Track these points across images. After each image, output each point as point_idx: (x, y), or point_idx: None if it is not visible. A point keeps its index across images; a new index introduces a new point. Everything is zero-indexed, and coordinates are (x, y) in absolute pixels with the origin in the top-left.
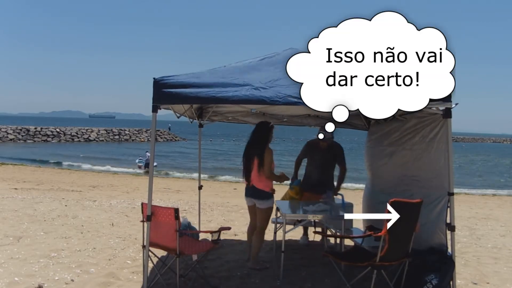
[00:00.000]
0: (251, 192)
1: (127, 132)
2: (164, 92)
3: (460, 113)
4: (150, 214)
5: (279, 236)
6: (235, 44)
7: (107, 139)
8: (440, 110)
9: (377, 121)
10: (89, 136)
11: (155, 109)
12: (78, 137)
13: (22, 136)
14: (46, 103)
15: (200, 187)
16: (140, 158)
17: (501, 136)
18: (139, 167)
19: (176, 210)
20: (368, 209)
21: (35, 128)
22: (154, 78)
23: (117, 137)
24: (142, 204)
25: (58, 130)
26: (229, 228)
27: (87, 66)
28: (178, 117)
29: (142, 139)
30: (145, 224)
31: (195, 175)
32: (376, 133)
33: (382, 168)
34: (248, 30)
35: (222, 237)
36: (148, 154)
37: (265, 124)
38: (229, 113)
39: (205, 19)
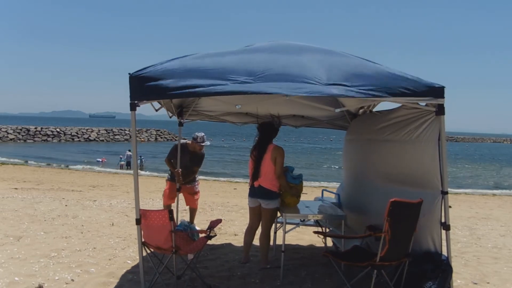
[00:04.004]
0: (258, 192)
1: (127, 132)
2: (143, 87)
3: (460, 113)
4: (139, 218)
5: (279, 236)
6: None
7: (107, 139)
8: (433, 107)
9: (357, 116)
10: (89, 136)
11: (133, 107)
12: (78, 137)
13: (23, 136)
14: (46, 103)
15: (178, 189)
16: (121, 157)
17: (501, 136)
18: (121, 166)
19: (171, 211)
20: (349, 207)
21: (35, 128)
22: (129, 74)
23: (117, 137)
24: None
25: (58, 130)
26: (220, 221)
27: (88, 66)
28: (156, 110)
29: (142, 139)
30: (137, 227)
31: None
32: (356, 128)
33: (360, 164)
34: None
35: (222, 237)
36: (128, 153)
37: (271, 124)
38: (209, 112)
39: (211, 13)
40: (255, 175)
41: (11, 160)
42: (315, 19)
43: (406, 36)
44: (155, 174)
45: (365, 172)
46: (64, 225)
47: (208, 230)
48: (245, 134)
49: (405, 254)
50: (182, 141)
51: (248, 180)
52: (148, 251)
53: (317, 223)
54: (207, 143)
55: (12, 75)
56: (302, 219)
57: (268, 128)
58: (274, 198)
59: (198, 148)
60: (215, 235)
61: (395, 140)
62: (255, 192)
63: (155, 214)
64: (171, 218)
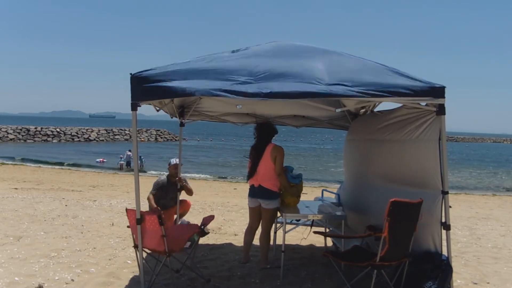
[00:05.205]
0: (258, 192)
1: (127, 132)
2: (144, 88)
3: (460, 113)
4: (140, 217)
5: (279, 236)
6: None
7: (107, 139)
8: (433, 107)
9: (358, 116)
10: (89, 136)
11: (134, 107)
12: (78, 137)
13: (22, 136)
14: (46, 103)
15: (179, 188)
16: (121, 156)
17: (501, 136)
18: (120, 166)
19: (160, 217)
20: (350, 207)
21: (35, 128)
22: (131, 74)
23: (117, 137)
24: (126, 210)
25: (58, 130)
26: (212, 217)
27: (88, 66)
28: (157, 111)
29: (142, 139)
30: (138, 227)
31: (195, 175)
32: (357, 128)
33: (361, 164)
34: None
35: (222, 237)
36: (128, 153)
37: (269, 124)
38: (210, 112)
39: (212, 11)
40: (252, 174)
41: None
42: (315, 19)
43: (406, 36)
44: (155, 173)
45: (366, 172)
46: (64, 225)
47: (202, 226)
48: (246, 134)
49: (405, 254)
50: (163, 177)
51: (248, 180)
52: (147, 252)
53: (311, 223)
54: (177, 160)
55: (12, 75)
56: (297, 220)
57: (266, 128)
58: (274, 198)
59: (174, 170)
60: (208, 232)
61: (395, 140)
62: (255, 192)
63: (146, 218)
64: (161, 223)
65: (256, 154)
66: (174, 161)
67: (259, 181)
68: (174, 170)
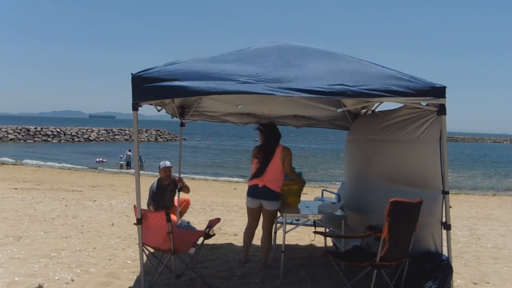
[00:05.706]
0: (262, 193)
1: (127, 132)
2: (144, 88)
3: (460, 113)
4: (140, 218)
5: (279, 236)
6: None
7: (107, 139)
8: (434, 107)
9: (358, 116)
10: (89, 136)
11: (135, 107)
12: (78, 137)
13: (22, 136)
14: (46, 103)
15: (179, 189)
16: (121, 156)
17: (501, 136)
18: (120, 166)
19: (167, 213)
20: (350, 207)
21: (35, 128)
22: (132, 74)
23: (117, 137)
24: (134, 206)
25: (58, 130)
26: (218, 220)
27: (88, 66)
28: (158, 111)
29: (142, 139)
30: (138, 226)
31: (195, 175)
32: (358, 128)
33: (362, 164)
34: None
35: (222, 237)
36: (128, 153)
37: (275, 125)
38: (211, 112)
39: (213, 10)
40: (260, 175)
41: None
42: (315, 19)
43: (406, 35)
44: (155, 174)
45: (366, 172)
46: (64, 225)
47: (207, 229)
48: (246, 134)
49: (405, 254)
50: (154, 183)
51: (248, 180)
52: (147, 252)
53: (313, 224)
54: (168, 163)
55: (12, 75)
56: (297, 219)
57: (274, 129)
58: (277, 199)
59: (164, 174)
60: (214, 234)
61: (396, 140)
62: (259, 193)
63: (152, 215)
64: (168, 219)
65: (264, 155)
66: (164, 164)
67: (265, 182)
68: (164, 174)
